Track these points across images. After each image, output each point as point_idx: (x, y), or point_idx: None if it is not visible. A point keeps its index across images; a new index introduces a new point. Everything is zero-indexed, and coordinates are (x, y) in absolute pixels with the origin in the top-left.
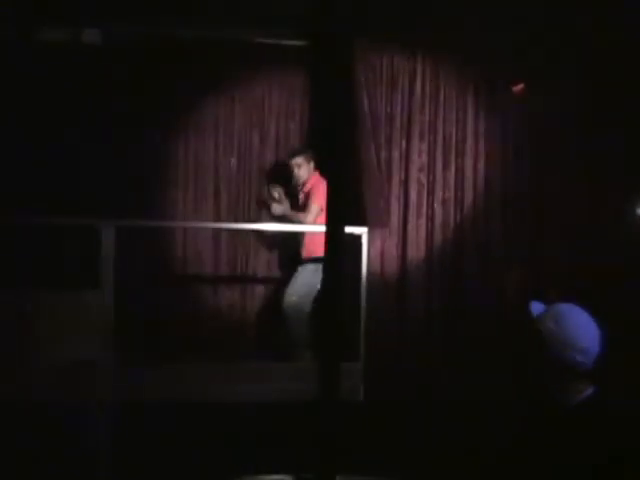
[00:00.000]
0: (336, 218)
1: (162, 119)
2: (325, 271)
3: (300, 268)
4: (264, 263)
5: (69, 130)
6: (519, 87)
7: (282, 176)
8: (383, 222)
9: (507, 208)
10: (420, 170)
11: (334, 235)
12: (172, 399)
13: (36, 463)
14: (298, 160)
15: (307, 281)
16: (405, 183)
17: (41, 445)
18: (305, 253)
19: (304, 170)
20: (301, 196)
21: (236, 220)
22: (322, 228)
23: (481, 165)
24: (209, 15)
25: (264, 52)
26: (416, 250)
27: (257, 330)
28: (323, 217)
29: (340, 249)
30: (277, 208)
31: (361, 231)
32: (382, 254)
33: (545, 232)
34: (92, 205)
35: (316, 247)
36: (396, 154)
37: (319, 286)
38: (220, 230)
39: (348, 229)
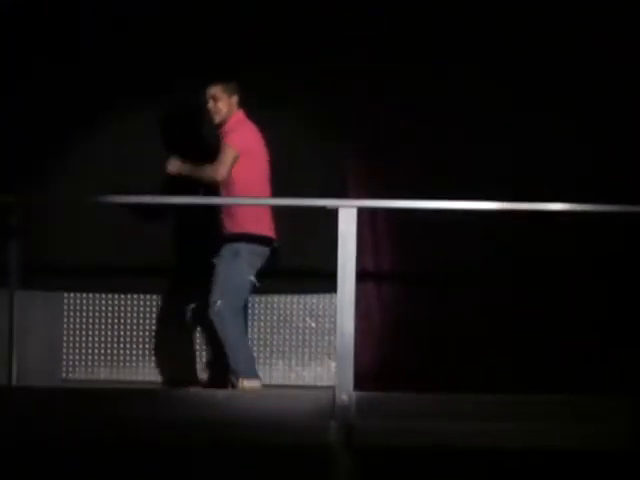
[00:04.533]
0: None
1: None
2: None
3: (216, 259)
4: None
5: None
6: None
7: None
8: None
9: None
10: None
11: None
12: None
13: None
14: (213, 91)
15: (228, 273)
16: None
17: None
18: (231, 227)
19: (222, 104)
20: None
21: None
22: None
23: None
24: None
25: None
26: None
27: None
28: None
29: None
30: (172, 165)
31: None
32: None
33: None
34: None
35: (249, 218)
36: None
37: (250, 276)
38: None
39: None
